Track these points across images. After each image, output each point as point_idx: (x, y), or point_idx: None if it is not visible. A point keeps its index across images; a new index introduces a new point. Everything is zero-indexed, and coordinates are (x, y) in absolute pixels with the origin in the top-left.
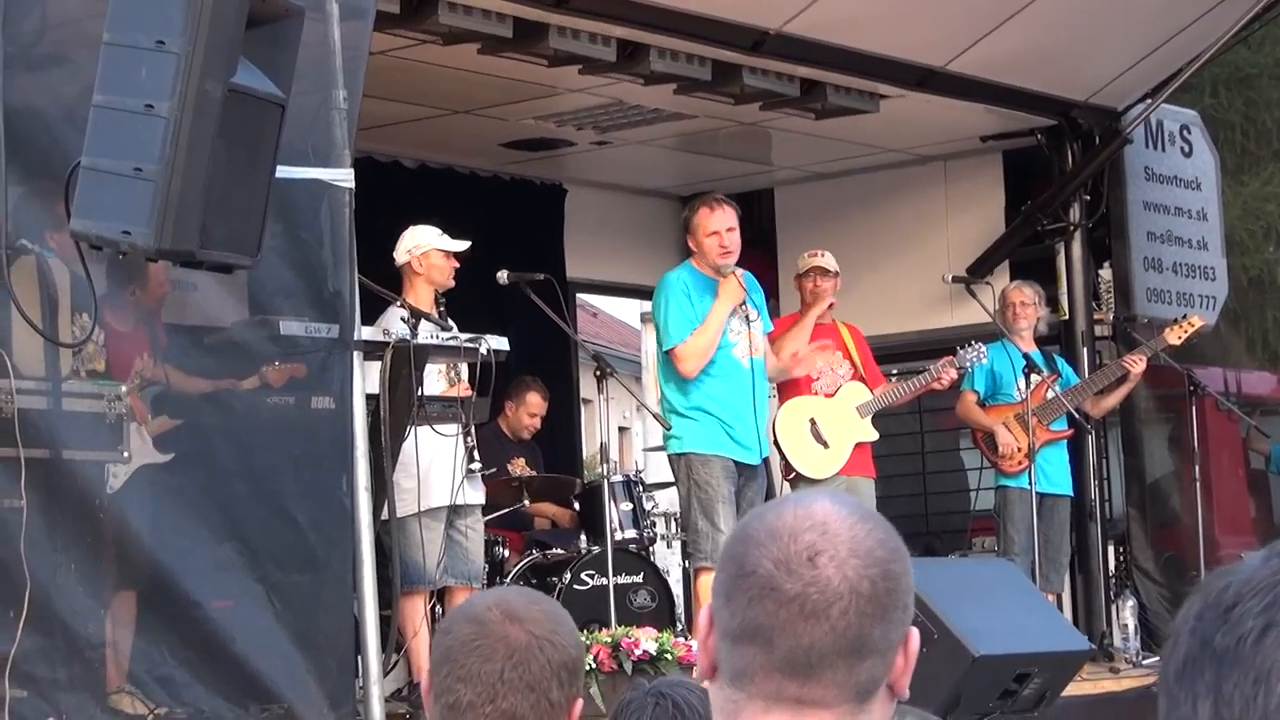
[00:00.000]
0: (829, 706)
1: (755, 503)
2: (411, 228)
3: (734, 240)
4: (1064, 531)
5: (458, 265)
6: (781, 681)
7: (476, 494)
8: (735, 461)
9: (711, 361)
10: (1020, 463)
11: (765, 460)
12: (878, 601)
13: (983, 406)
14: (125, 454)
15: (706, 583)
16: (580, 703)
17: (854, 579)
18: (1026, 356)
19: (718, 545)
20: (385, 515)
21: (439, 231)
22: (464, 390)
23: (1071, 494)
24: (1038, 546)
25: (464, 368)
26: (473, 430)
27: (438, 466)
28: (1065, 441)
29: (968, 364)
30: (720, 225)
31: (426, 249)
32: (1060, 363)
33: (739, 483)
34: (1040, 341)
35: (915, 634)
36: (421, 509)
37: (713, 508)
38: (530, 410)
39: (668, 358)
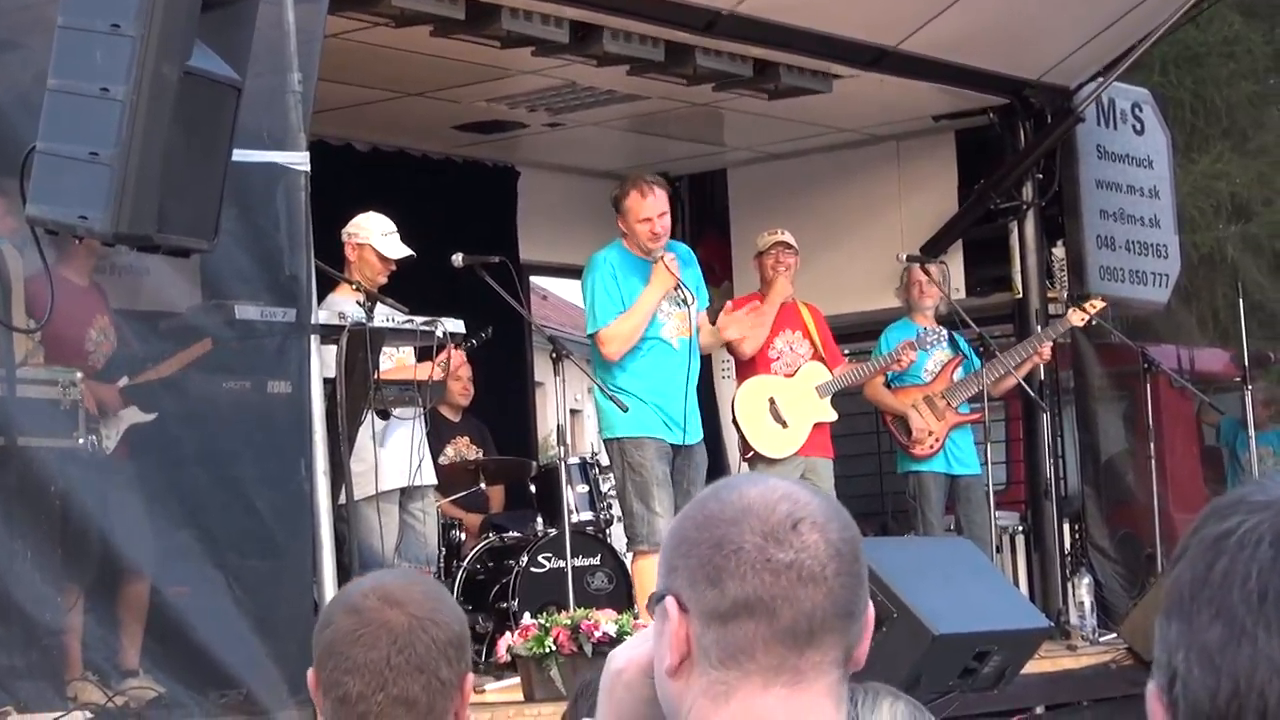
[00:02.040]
0: (822, 674)
1: (695, 484)
2: (366, 213)
3: (665, 225)
4: (983, 510)
5: (394, 269)
6: (783, 652)
7: (429, 476)
8: (669, 444)
9: (641, 342)
10: (931, 447)
11: (702, 441)
12: (856, 562)
13: (890, 389)
14: (80, 440)
15: (645, 567)
16: (471, 676)
17: (836, 542)
18: (951, 339)
19: (654, 529)
20: (342, 500)
21: (386, 229)
22: (454, 363)
23: (980, 473)
24: (972, 527)
25: (405, 351)
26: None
27: (391, 450)
28: (969, 424)
29: (927, 346)
30: (652, 211)
31: (364, 242)
32: (962, 343)
33: (674, 464)
34: (987, 320)
35: (870, 603)
36: (376, 492)
37: (648, 491)
38: (455, 376)
39: (593, 341)
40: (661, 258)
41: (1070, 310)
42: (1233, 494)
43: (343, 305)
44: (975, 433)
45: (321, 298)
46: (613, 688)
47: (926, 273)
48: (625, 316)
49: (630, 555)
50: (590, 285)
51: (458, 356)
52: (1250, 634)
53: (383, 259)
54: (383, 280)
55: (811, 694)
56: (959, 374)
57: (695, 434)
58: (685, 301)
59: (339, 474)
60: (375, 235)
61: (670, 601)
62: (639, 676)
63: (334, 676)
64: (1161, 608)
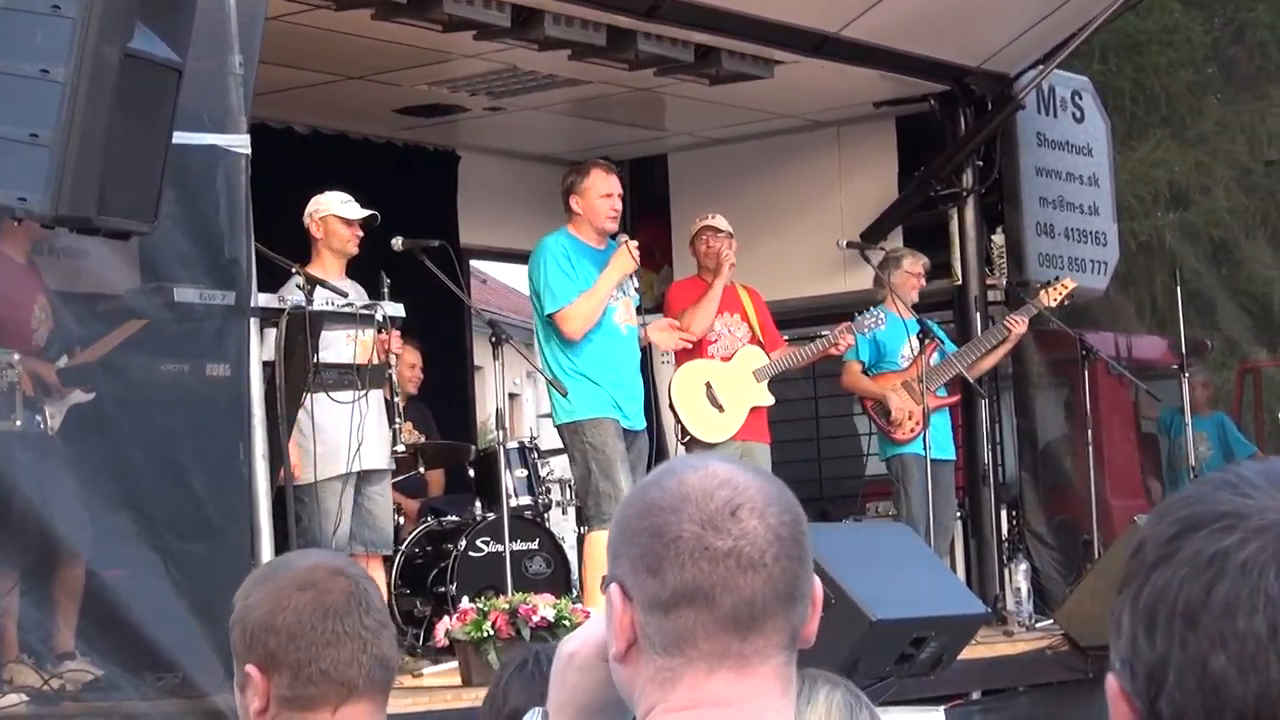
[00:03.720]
0: (767, 659)
1: (638, 469)
2: (319, 194)
3: (620, 206)
4: (950, 496)
5: (361, 234)
6: (726, 639)
7: (385, 460)
8: (622, 426)
9: (596, 327)
10: (912, 430)
11: (645, 430)
12: (799, 544)
13: (868, 375)
14: (17, 422)
15: (601, 543)
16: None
17: (776, 526)
18: (921, 323)
19: None
20: (300, 481)
21: (344, 198)
22: (392, 345)
23: (953, 458)
24: (940, 509)
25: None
26: (395, 394)
27: (344, 432)
28: (946, 407)
29: (865, 330)
30: (614, 189)
31: (325, 214)
32: (936, 329)
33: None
34: (927, 307)
35: (818, 581)
36: (326, 476)
37: (612, 468)
38: (409, 362)
39: (549, 322)
40: (625, 241)
41: (1041, 290)
42: (1216, 500)
43: (292, 293)
44: (947, 417)
45: (273, 287)
46: (564, 671)
47: (920, 265)
48: (586, 296)
49: (588, 533)
50: (544, 266)
51: (395, 340)
52: (1261, 668)
53: (347, 223)
54: (353, 249)
55: (757, 677)
56: (935, 359)
57: (641, 421)
58: (634, 290)
59: (277, 457)
60: (334, 204)
61: (614, 589)
62: (594, 659)
63: (309, 654)
64: (1140, 612)
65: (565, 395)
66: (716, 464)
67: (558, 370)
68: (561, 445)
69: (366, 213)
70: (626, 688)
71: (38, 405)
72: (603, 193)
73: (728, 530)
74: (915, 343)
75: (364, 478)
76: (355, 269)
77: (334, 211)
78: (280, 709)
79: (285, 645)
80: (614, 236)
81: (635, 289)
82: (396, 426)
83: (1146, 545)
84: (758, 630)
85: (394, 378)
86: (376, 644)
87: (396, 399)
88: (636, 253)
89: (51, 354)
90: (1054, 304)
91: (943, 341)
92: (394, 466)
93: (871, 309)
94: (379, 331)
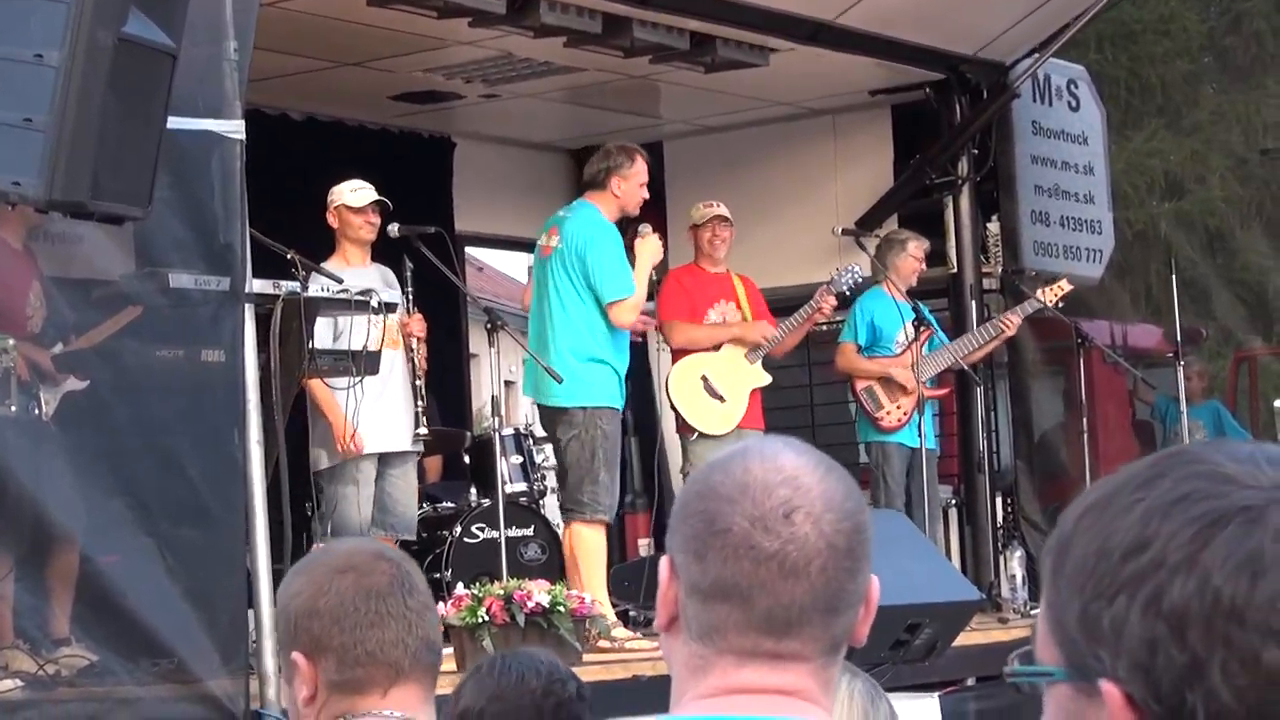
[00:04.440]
0: (805, 659)
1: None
2: (335, 185)
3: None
4: (933, 484)
5: (375, 221)
6: (758, 638)
7: (407, 442)
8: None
9: None
10: (899, 419)
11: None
12: (852, 555)
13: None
14: (12, 407)
15: (596, 533)
16: None
17: (830, 534)
18: (916, 309)
19: (613, 501)
20: (320, 466)
21: (354, 186)
22: (417, 328)
23: (935, 447)
24: (926, 500)
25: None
26: (419, 378)
27: (371, 415)
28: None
29: (844, 286)
30: (647, 178)
31: (337, 204)
32: (930, 317)
33: None
34: (922, 294)
35: (875, 581)
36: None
37: (614, 461)
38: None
39: (611, 309)
40: (652, 232)
41: (1040, 289)
42: (1226, 495)
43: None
44: (935, 406)
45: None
46: None
47: (922, 250)
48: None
49: (581, 524)
50: (601, 250)
51: (419, 324)
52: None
53: (357, 211)
54: (369, 235)
55: (790, 674)
56: (926, 348)
57: None
58: None
59: (272, 443)
60: (344, 193)
61: (665, 562)
62: None
63: (354, 636)
64: (1165, 615)
65: (561, 382)
66: (788, 456)
67: (580, 355)
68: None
69: (374, 198)
70: (668, 658)
71: (33, 391)
72: (643, 180)
73: (778, 532)
74: (910, 329)
75: (385, 460)
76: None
77: (344, 200)
78: (330, 694)
79: (329, 629)
80: (637, 225)
81: None
82: (420, 408)
83: (1157, 545)
84: (793, 635)
85: (416, 361)
86: (421, 625)
87: (419, 382)
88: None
89: (47, 340)
90: (1051, 304)
91: (935, 329)
92: (420, 449)
93: (849, 266)
94: (409, 313)
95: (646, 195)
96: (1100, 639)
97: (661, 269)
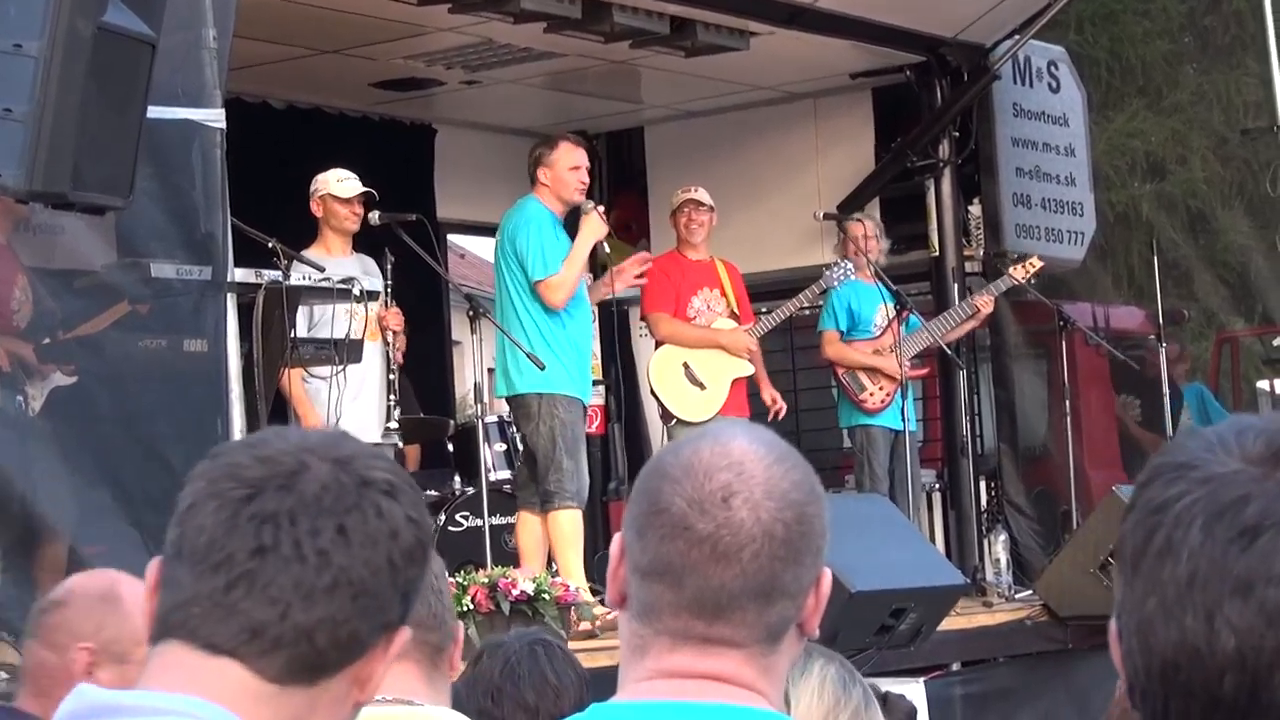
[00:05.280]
0: (738, 645)
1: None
2: (319, 173)
3: (588, 178)
4: (917, 466)
5: (360, 211)
6: (689, 620)
7: (377, 433)
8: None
9: (571, 298)
10: (883, 401)
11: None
12: (790, 545)
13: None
14: None
15: (570, 519)
16: None
17: (767, 521)
18: (896, 294)
19: (581, 485)
20: None
21: (340, 176)
22: (394, 321)
23: (916, 429)
24: (910, 483)
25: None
26: (393, 372)
27: (347, 407)
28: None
29: (835, 283)
30: (582, 161)
31: (323, 194)
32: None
33: None
34: (904, 278)
35: (828, 574)
36: None
37: (577, 446)
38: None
39: (533, 289)
40: (595, 208)
41: (1013, 266)
42: (1183, 451)
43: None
44: (914, 390)
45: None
46: None
47: (845, 231)
48: (568, 264)
49: (552, 510)
50: (528, 233)
51: (396, 316)
52: (1177, 617)
53: (344, 201)
54: (353, 226)
55: (724, 660)
56: (905, 329)
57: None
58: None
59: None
60: (331, 183)
61: (616, 539)
62: None
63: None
64: (1116, 553)
65: (544, 369)
66: (739, 442)
67: (532, 341)
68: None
69: (361, 189)
70: (620, 634)
71: (19, 386)
72: (571, 165)
73: (713, 515)
74: (889, 310)
75: None
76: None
77: (330, 190)
78: None
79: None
80: (579, 205)
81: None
82: (392, 401)
83: (1136, 483)
84: (724, 619)
85: (391, 353)
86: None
87: (393, 375)
88: (605, 217)
89: (33, 334)
90: (1023, 279)
91: (910, 309)
92: (394, 441)
93: (839, 262)
94: (386, 306)
95: (584, 180)
96: None
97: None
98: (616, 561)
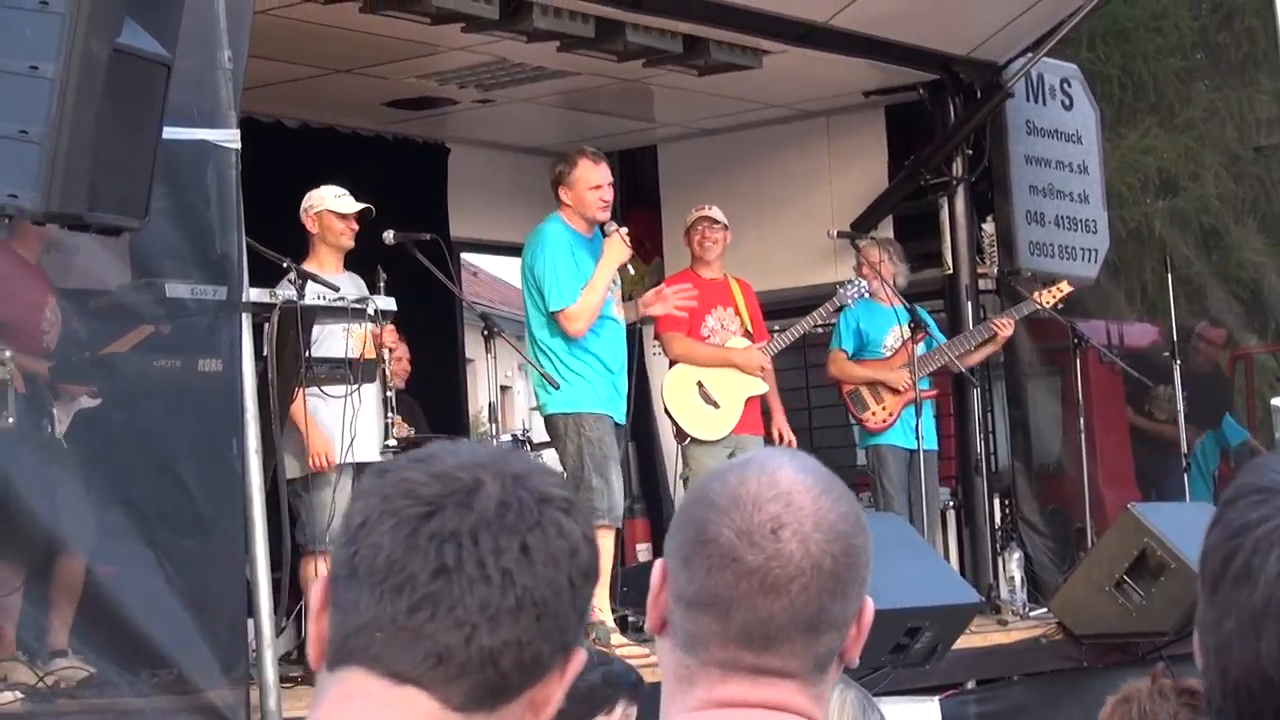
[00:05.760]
0: (789, 675)
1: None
2: (314, 189)
3: (611, 196)
4: (935, 486)
5: (356, 228)
6: (737, 651)
7: (376, 453)
8: (614, 421)
9: (596, 320)
10: (885, 420)
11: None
12: (838, 577)
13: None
14: (9, 419)
15: (601, 542)
16: None
17: (816, 554)
18: (911, 311)
19: (613, 503)
20: (293, 475)
21: (337, 192)
22: (389, 339)
23: (935, 448)
24: (926, 502)
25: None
26: (390, 390)
27: (338, 425)
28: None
29: (849, 300)
30: (603, 179)
31: (320, 209)
32: (927, 318)
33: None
34: (918, 296)
35: (869, 604)
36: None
37: (606, 464)
38: (397, 356)
39: (552, 317)
40: (616, 230)
41: (1038, 291)
42: (1269, 474)
43: (286, 289)
44: (934, 408)
45: (267, 281)
46: None
47: (864, 255)
48: (588, 292)
49: None
50: (545, 260)
51: (390, 335)
52: (1252, 642)
53: (341, 217)
54: (348, 243)
55: (775, 689)
56: (921, 349)
57: (624, 415)
58: (617, 280)
59: (270, 452)
60: (328, 199)
61: (658, 565)
62: None
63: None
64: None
65: (557, 389)
66: (786, 472)
67: (556, 362)
68: (549, 436)
69: (360, 206)
70: (660, 664)
71: (45, 407)
72: (592, 184)
73: (763, 547)
74: (904, 330)
75: (358, 471)
76: (349, 261)
77: (328, 206)
78: None
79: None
80: (603, 226)
81: (617, 278)
82: (390, 420)
83: (1221, 500)
84: (773, 650)
85: (387, 372)
86: None
87: (389, 393)
88: (628, 240)
89: (60, 355)
90: (1048, 306)
91: (930, 331)
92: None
93: (853, 280)
94: (374, 325)
95: (605, 197)
96: None
97: (658, 275)
98: (658, 588)
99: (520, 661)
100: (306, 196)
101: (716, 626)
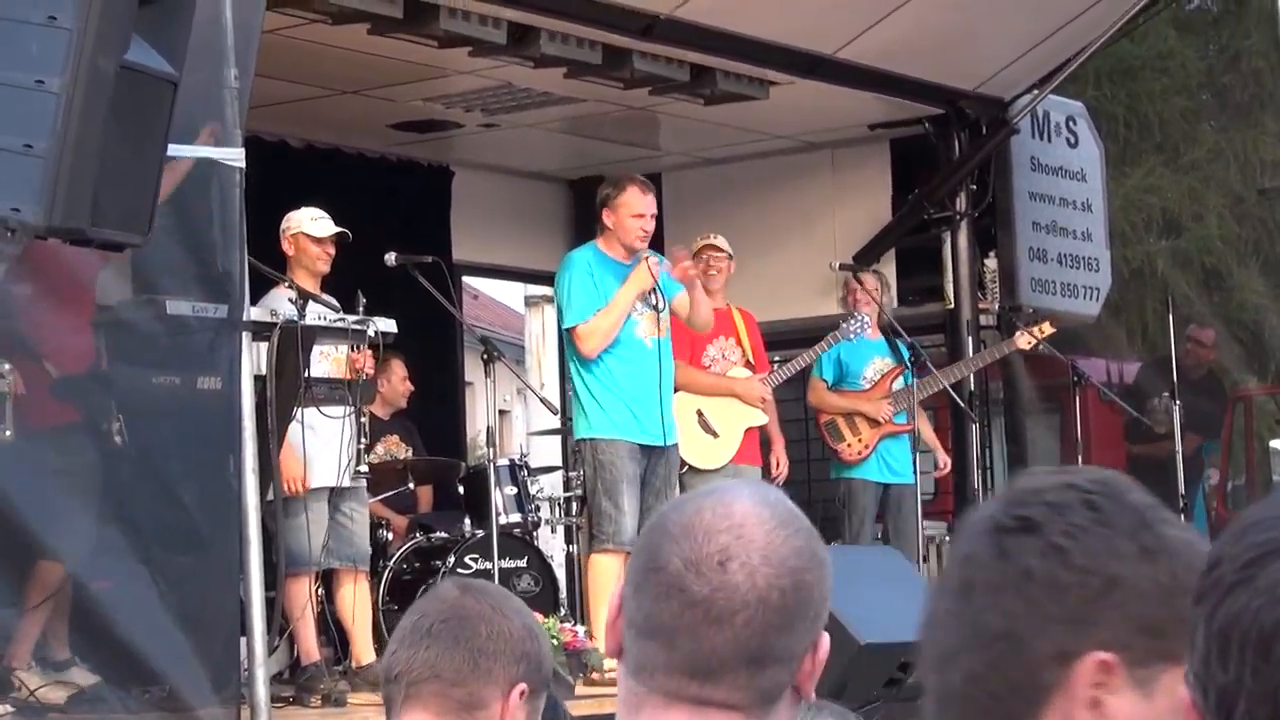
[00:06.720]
0: (732, 708)
1: (668, 484)
2: (292, 211)
3: (652, 227)
4: (911, 521)
5: (332, 252)
6: (681, 681)
7: (348, 478)
8: (640, 445)
9: (615, 343)
10: (860, 453)
11: (676, 444)
12: (785, 612)
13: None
14: (6, 432)
15: (604, 565)
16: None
17: (763, 588)
18: (895, 349)
19: (621, 528)
20: (270, 496)
21: (314, 215)
22: (360, 364)
23: (914, 482)
24: (902, 536)
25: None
26: (364, 415)
27: (322, 448)
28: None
29: (851, 335)
30: (647, 209)
31: (295, 232)
32: (906, 355)
33: (646, 465)
34: (918, 330)
35: (825, 639)
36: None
37: (616, 489)
38: (400, 376)
39: (569, 336)
40: (646, 258)
41: (1018, 334)
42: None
43: (278, 303)
44: (911, 442)
45: (259, 297)
46: None
47: (860, 284)
48: (603, 313)
49: (588, 553)
50: (566, 281)
51: (368, 359)
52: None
53: (317, 241)
54: (323, 267)
55: (720, 718)
56: (898, 384)
57: (671, 435)
58: (656, 306)
59: (267, 471)
60: (305, 221)
61: (616, 591)
62: None
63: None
64: (1214, 634)
65: (555, 414)
66: (743, 504)
67: (582, 386)
68: (552, 463)
69: (336, 230)
70: (618, 687)
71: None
72: (635, 211)
73: (708, 578)
74: (884, 364)
75: (338, 494)
76: (347, 282)
77: (303, 229)
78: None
79: None
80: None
81: (658, 304)
82: (362, 445)
83: (1223, 565)
84: (715, 682)
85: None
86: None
87: (363, 419)
88: (657, 269)
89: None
90: (1027, 347)
91: (907, 367)
92: (362, 485)
93: (855, 315)
94: (355, 349)
95: (647, 227)
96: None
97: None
98: (615, 613)
99: None
100: (285, 218)
101: (662, 655)
